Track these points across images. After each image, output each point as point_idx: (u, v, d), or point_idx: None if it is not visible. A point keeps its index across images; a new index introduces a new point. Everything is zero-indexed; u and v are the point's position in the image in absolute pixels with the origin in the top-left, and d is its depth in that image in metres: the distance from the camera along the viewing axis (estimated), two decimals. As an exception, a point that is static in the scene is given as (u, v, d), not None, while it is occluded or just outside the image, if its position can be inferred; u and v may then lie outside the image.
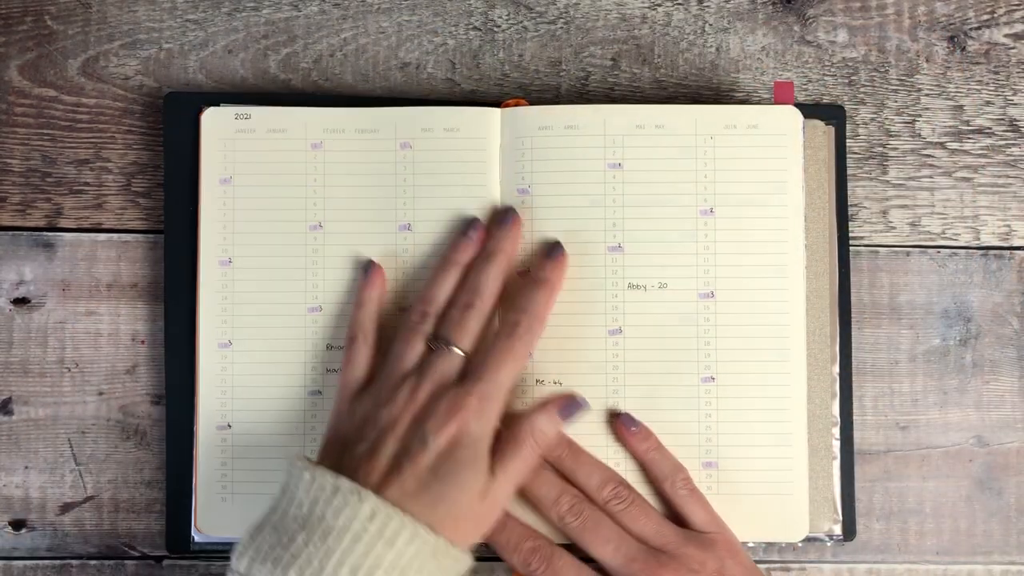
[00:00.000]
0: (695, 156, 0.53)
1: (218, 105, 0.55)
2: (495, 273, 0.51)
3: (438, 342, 0.49)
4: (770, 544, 0.55)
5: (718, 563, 0.49)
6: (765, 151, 0.53)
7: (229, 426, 0.54)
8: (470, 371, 0.49)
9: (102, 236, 0.57)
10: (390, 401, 0.48)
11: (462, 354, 0.49)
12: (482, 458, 0.47)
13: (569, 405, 0.50)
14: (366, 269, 0.53)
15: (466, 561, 0.46)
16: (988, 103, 0.58)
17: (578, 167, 0.53)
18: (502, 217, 0.52)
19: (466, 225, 0.53)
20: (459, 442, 0.47)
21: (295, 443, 0.53)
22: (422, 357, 0.50)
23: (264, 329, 0.54)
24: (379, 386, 0.50)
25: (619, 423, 0.52)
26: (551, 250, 0.52)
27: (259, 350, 0.54)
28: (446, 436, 0.47)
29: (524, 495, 0.51)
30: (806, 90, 0.58)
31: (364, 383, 0.51)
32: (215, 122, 0.54)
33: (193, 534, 0.54)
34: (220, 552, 0.55)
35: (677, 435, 0.52)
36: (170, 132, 0.55)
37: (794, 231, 0.53)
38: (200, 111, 0.54)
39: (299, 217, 0.54)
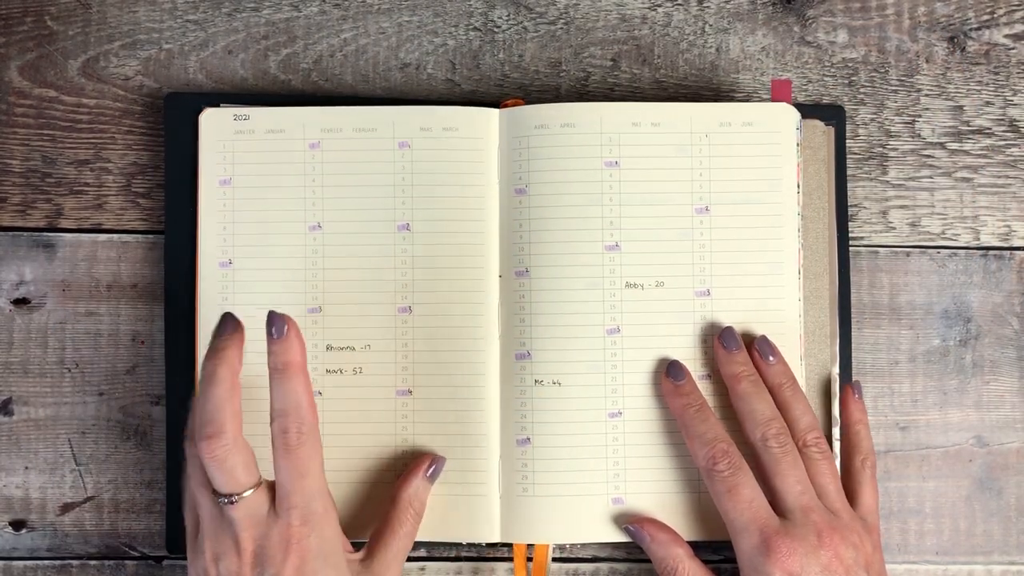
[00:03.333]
0: (690, 154, 0.53)
1: (218, 105, 0.55)
2: (223, 376, 0.47)
3: (220, 499, 0.47)
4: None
5: (872, 549, 0.49)
6: (760, 148, 0.53)
7: (231, 427, 0.54)
8: (277, 500, 0.47)
9: (102, 236, 0.57)
10: (220, 558, 0.47)
11: (249, 491, 0.47)
12: (338, 562, 0.47)
13: (432, 464, 0.51)
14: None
15: None
16: (988, 103, 0.58)
17: (575, 165, 0.53)
18: (223, 321, 0.50)
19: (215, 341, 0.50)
20: (307, 565, 0.46)
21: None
22: (214, 509, 0.48)
23: (265, 331, 0.54)
24: (201, 551, 0.48)
25: (849, 388, 0.54)
26: (272, 326, 0.49)
27: (260, 351, 0.54)
28: (291, 569, 0.46)
29: (734, 405, 0.51)
30: (806, 90, 0.58)
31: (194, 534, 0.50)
32: (214, 123, 0.54)
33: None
34: (220, 552, 0.55)
35: (676, 433, 0.52)
36: (170, 132, 0.55)
37: (789, 228, 0.53)
38: (200, 112, 0.55)
39: (298, 218, 0.54)
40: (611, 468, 0.52)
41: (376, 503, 0.53)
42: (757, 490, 0.49)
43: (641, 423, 0.53)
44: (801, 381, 0.53)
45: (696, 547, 0.51)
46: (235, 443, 0.47)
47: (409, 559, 0.55)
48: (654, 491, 0.53)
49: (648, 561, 0.55)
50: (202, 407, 0.47)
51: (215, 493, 0.47)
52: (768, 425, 0.50)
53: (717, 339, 0.52)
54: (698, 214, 0.53)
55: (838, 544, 0.47)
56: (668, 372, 0.52)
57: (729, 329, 0.52)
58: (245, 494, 0.47)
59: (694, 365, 0.53)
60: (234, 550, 0.47)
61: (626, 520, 0.52)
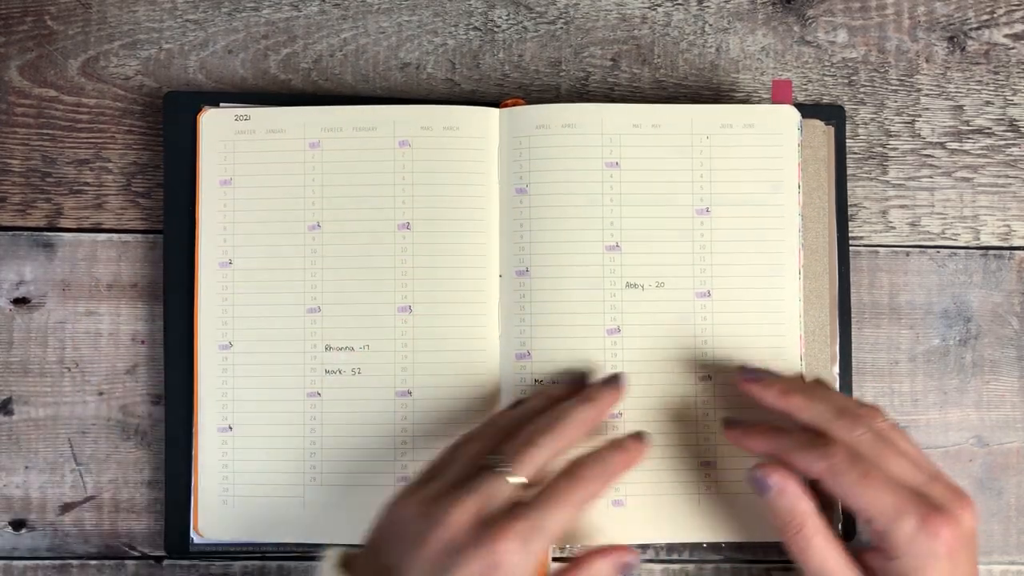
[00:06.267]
0: (691, 155, 0.53)
1: (217, 105, 0.55)
2: (583, 416, 0.48)
3: (494, 459, 0.45)
4: (770, 543, 0.55)
5: None
6: (761, 150, 0.53)
7: (230, 428, 0.54)
8: (524, 501, 0.44)
9: (102, 236, 0.57)
10: (426, 515, 0.44)
11: (517, 481, 0.45)
12: None
13: (628, 560, 0.46)
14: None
15: None
16: (988, 103, 0.58)
17: (576, 166, 0.53)
18: (613, 379, 0.51)
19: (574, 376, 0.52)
20: (494, 573, 0.42)
21: (295, 445, 0.53)
22: (473, 470, 0.46)
23: (264, 331, 0.54)
24: (423, 490, 0.45)
25: (773, 392, 0.50)
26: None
27: (259, 352, 0.54)
28: (480, 564, 0.42)
29: (797, 416, 0.48)
30: (806, 90, 0.58)
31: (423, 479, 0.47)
32: (214, 123, 0.54)
33: (192, 536, 0.54)
34: (219, 553, 0.55)
35: (675, 434, 0.52)
36: (169, 132, 0.55)
37: (790, 230, 0.53)
38: (199, 111, 0.54)
39: (298, 217, 0.54)
40: None
41: (375, 505, 0.53)
42: (883, 468, 0.46)
43: (641, 424, 0.52)
44: (801, 381, 0.53)
45: (697, 548, 0.51)
46: (555, 448, 0.47)
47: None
48: (654, 492, 0.52)
49: (648, 561, 0.55)
50: (568, 412, 0.48)
51: (491, 454, 0.46)
52: (850, 415, 0.47)
53: (746, 382, 0.50)
54: (699, 215, 0.53)
55: (965, 510, 0.45)
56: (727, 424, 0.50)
57: (743, 368, 0.51)
58: (512, 476, 0.45)
59: (693, 366, 0.53)
60: (445, 514, 0.44)
61: (752, 467, 0.48)
